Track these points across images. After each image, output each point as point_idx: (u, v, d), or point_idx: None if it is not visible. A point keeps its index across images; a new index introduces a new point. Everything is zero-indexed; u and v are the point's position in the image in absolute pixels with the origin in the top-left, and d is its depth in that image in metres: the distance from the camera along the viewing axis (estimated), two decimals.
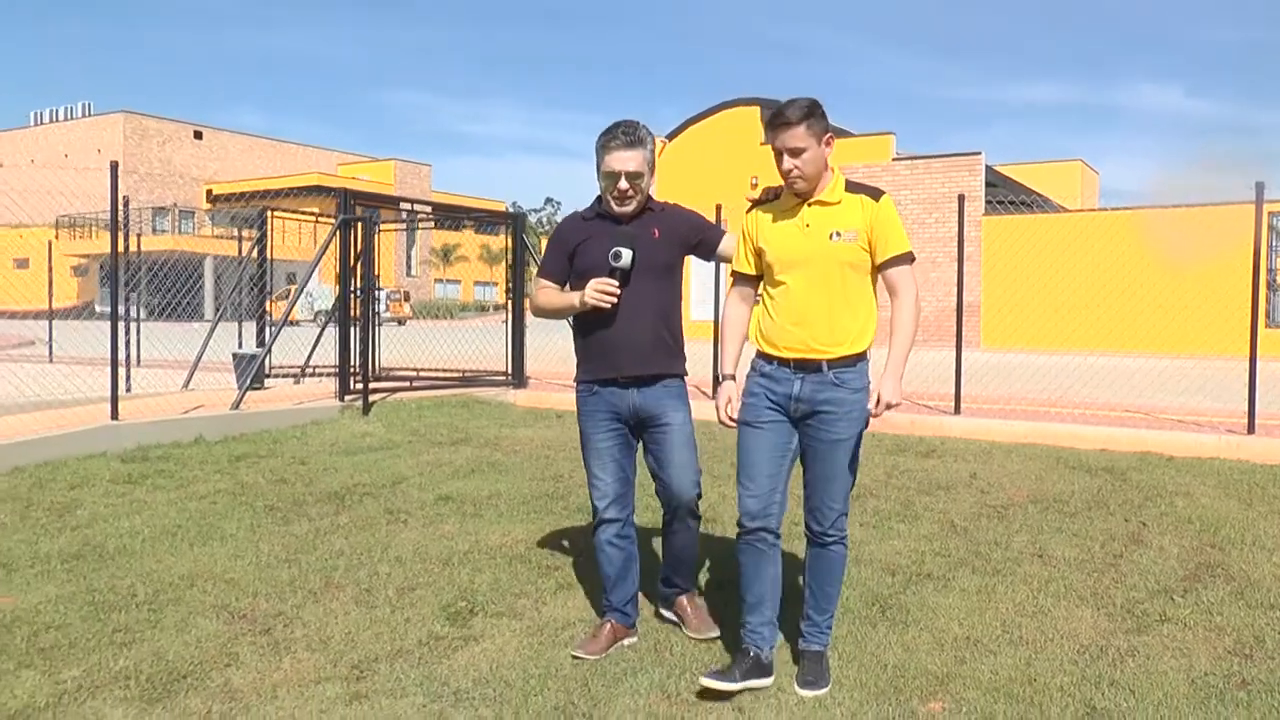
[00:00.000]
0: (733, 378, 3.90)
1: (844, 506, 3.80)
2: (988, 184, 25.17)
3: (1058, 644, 4.15)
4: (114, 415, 8.31)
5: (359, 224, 10.41)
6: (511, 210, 64.64)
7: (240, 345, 13.87)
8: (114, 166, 8.33)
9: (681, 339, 4.19)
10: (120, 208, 8.32)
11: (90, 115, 63.23)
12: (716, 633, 4.11)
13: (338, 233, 10.35)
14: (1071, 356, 15.27)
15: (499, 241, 73.15)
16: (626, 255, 3.91)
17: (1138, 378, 12.98)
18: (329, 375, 12.59)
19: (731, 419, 3.85)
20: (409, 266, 64.05)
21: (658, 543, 4.82)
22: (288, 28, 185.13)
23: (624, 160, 3.93)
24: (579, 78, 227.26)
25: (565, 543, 5.57)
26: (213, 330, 12.80)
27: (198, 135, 63.15)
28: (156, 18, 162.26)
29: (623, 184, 3.95)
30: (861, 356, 3.73)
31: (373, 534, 5.78)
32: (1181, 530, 5.78)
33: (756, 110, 26.38)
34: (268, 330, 12.56)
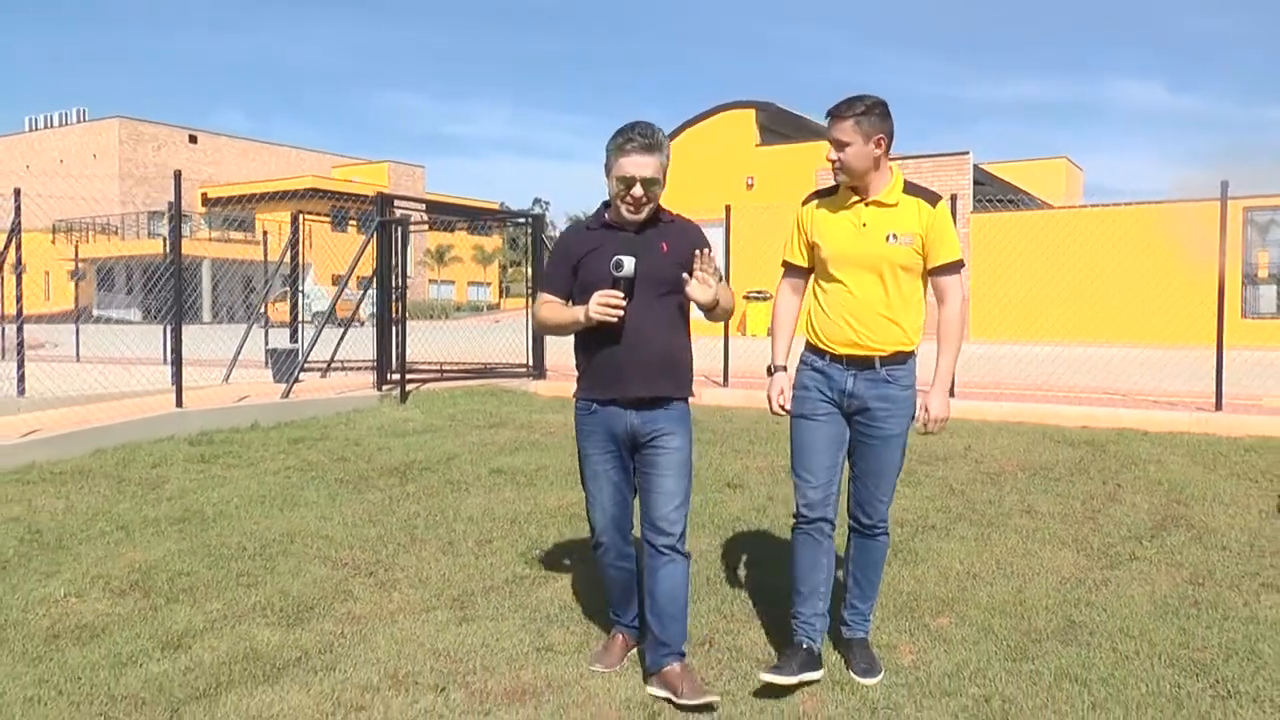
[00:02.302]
0: (784, 368, 3.93)
1: (890, 499, 3.89)
2: (976, 182, 25.96)
3: (1043, 577, 4.93)
4: (179, 403, 9.03)
5: (395, 226, 11.13)
6: (503, 209, 65.42)
7: (267, 342, 14.63)
8: (178, 175, 8.99)
9: (690, 358, 3.91)
10: (184, 214, 8.96)
11: (86, 121, 63.71)
12: (716, 698, 3.59)
13: (375, 234, 11.05)
14: (1056, 347, 16.02)
15: (492, 242, 73.98)
16: (629, 264, 3.60)
17: (1116, 364, 13.78)
18: (354, 369, 13.31)
19: (784, 408, 3.89)
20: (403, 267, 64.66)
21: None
22: (271, 29, 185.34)
23: (640, 166, 3.65)
24: (564, 77, 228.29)
25: None
26: (249, 330, 13.51)
27: (193, 139, 63.72)
28: (145, 23, 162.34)
29: (637, 191, 3.66)
30: (911, 354, 3.80)
31: (441, 500, 6.53)
32: (1152, 490, 6.56)
33: (752, 113, 27.17)
34: (300, 329, 13.28)
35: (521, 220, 13.85)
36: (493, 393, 11.64)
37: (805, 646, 3.78)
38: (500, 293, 78.34)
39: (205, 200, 61.59)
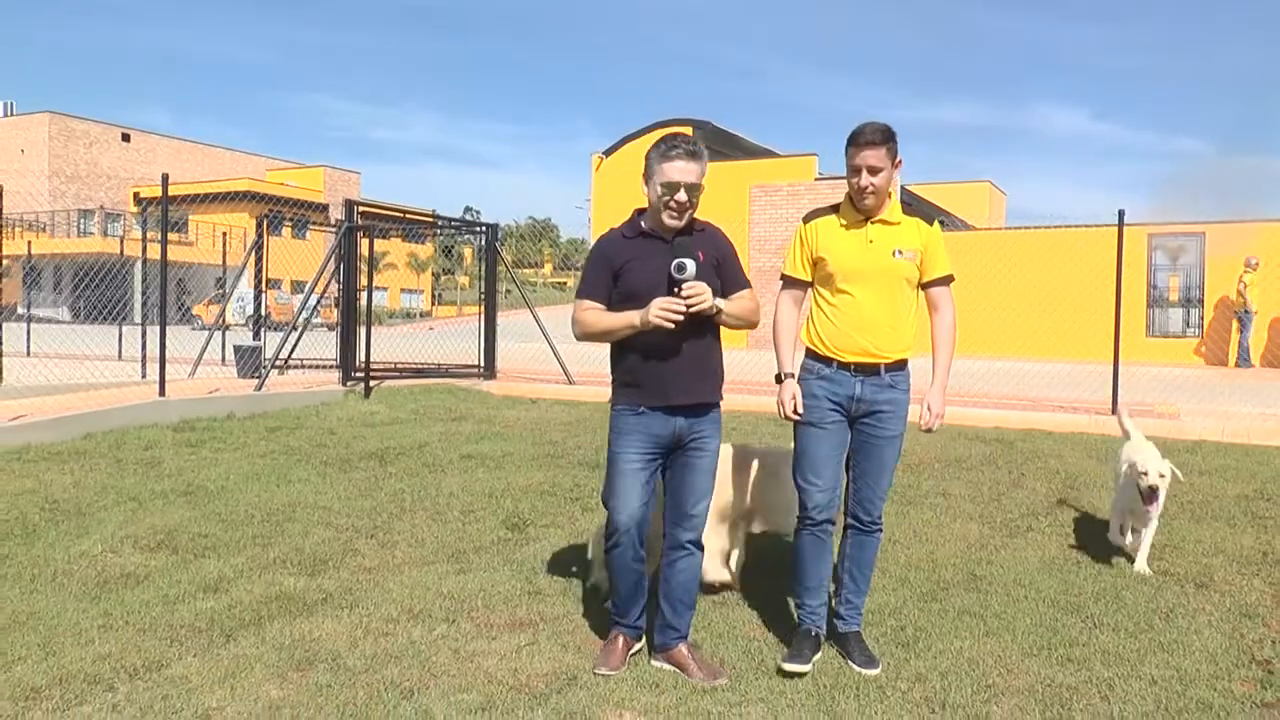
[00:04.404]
0: (793, 375, 4.10)
1: (885, 496, 4.16)
2: (903, 203, 27.08)
3: (952, 543, 5.79)
4: (161, 393, 9.59)
5: (359, 232, 11.75)
6: (438, 217, 65.42)
7: (224, 342, 15.18)
8: (165, 178, 9.55)
9: (723, 364, 4.10)
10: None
11: (13, 115, 62.70)
12: (725, 680, 3.89)
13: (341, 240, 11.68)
14: (974, 360, 17.06)
15: (425, 250, 74.10)
16: (691, 267, 3.75)
17: (1029, 376, 14.82)
18: (311, 367, 13.86)
19: (797, 413, 4.05)
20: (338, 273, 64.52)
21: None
22: (196, 25, 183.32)
23: (686, 172, 3.83)
24: (496, 86, 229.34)
25: (578, 483, 7.07)
26: (211, 334, 14.11)
27: (125, 138, 63.11)
28: (66, 13, 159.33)
29: (681, 195, 3.83)
30: (907, 361, 4.09)
31: (421, 479, 7.22)
32: (1051, 479, 7.47)
33: (689, 130, 28.01)
34: (263, 330, 13.84)
35: (478, 229, 14.51)
36: (449, 390, 12.29)
37: (814, 634, 4.10)
38: (433, 300, 78.54)
39: (138, 200, 61.07)
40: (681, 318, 3.72)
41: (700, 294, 3.75)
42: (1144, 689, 3.83)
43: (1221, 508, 6.62)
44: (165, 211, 9.58)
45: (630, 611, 4.06)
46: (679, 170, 3.83)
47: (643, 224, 3.99)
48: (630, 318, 3.81)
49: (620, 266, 3.92)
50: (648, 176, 3.91)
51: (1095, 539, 5.89)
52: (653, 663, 4.03)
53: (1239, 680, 3.95)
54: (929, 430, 4.08)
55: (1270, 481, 7.29)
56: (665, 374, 3.88)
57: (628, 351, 3.93)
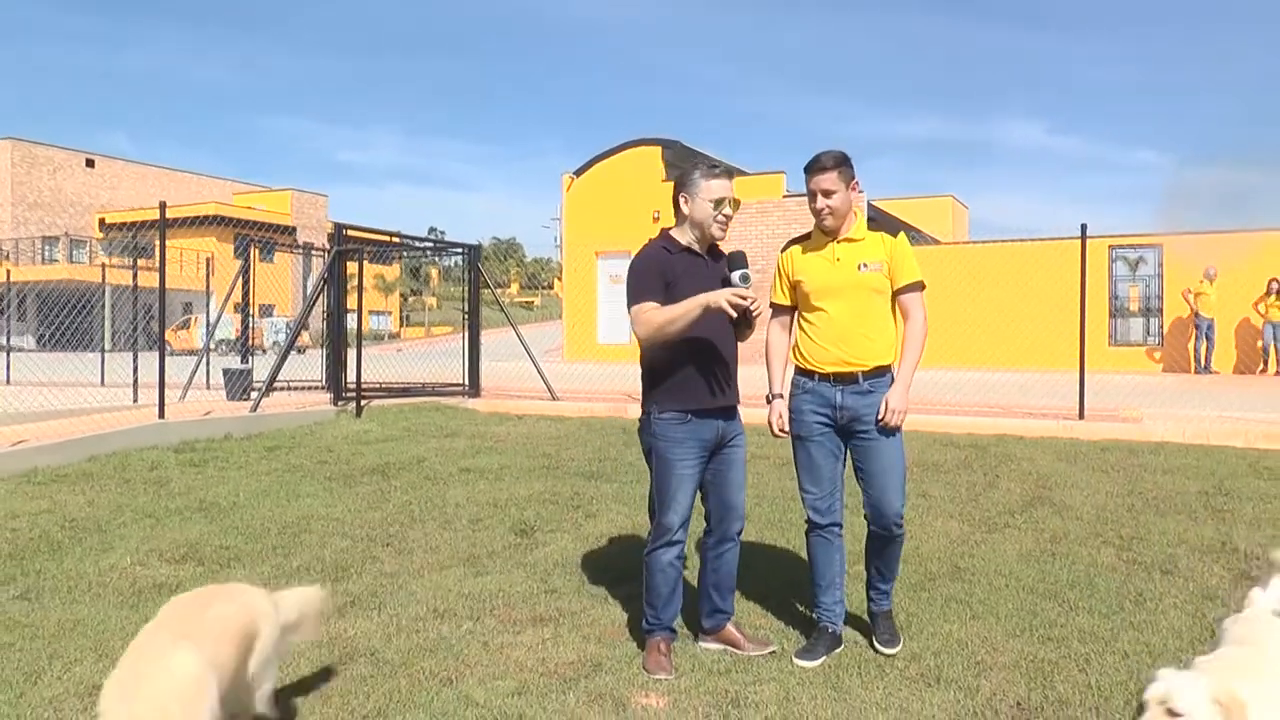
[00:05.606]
0: (780, 395, 4.39)
1: (902, 497, 4.34)
2: (869, 218, 27.58)
3: (936, 539, 6.17)
4: (161, 415, 9.83)
5: (347, 256, 12.03)
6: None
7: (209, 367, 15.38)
8: (163, 206, 9.79)
9: None
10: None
11: None
12: (775, 647, 4.35)
13: (330, 263, 11.95)
14: (945, 371, 17.49)
15: (392, 271, 74.24)
16: (752, 278, 4.07)
17: (998, 385, 15.30)
18: (297, 389, 14.09)
19: (784, 430, 4.37)
20: (305, 295, 64.36)
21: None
22: (152, 47, 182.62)
23: (730, 189, 4.16)
24: (460, 107, 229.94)
25: (578, 492, 7.40)
26: (200, 358, 14.30)
27: (90, 163, 62.68)
28: (27, 39, 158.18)
29: (728, 210, 4.14)
30: (889, 368, 4.28)
31: (425, 491, 7.52)
32: (1024, 480, 7.88)
33: (659, 150, 28.46)
34: (250, 353, 14.07)
35: (458, 250, 14.82)
36: (437, 408, 12.59)
37: (830, 631, 4.37)
38: (401, 321, 78.69)
39: (103, 226, 60.73)
40: (749, 305, 3.98)
41: (760, 302, 4.09)
42: (1118, 662, 4.20)
43: (1184, 502, 7.04)
44: (163, 236, 9.81)
45: (668, 613, 4.24)
46: (725, 188, 4.15)
47: (681, 240, 4.26)
48: (700, 299, 3.97)
49: (671, 280, 4.13)
50: (690, 195, 4.18)
51: (1069, 533, 6.29)
52: (701, 644, 4.39)
53: (1201, 653, 4.32)
54: (889, 425, 4.20)
55: (1228, 478, 7.73)
56: (711, 379, 4.17)
57: (674, 358, 4.15)
